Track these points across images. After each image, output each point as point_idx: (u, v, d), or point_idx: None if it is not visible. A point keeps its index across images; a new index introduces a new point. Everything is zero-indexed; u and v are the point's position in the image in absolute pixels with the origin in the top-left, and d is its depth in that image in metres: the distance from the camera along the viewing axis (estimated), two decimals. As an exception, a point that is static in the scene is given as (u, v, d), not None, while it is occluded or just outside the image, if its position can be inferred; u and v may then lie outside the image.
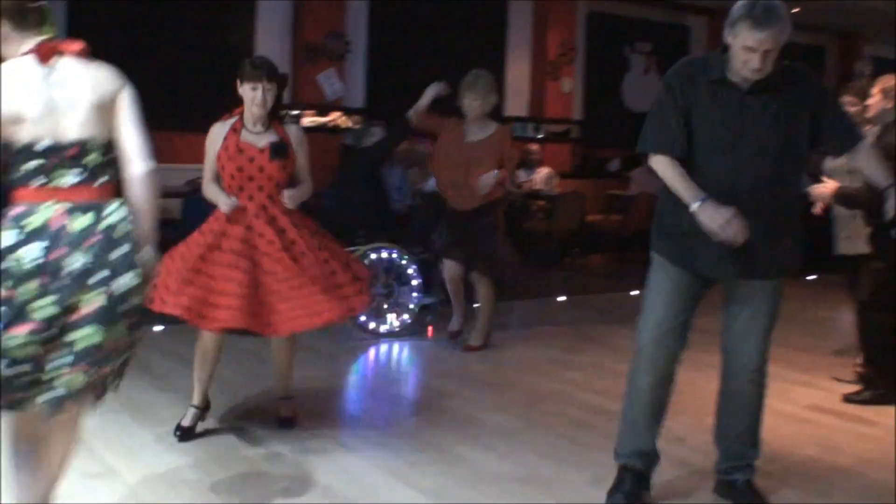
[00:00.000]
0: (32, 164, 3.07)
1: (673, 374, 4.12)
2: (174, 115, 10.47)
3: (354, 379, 6.32)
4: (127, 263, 3.10)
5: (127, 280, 3.09)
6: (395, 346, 7.17)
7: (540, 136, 13.31)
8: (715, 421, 4.31)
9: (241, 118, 4.92)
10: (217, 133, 4.93)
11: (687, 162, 3.88)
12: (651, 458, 4.21)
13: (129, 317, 3.11)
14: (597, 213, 12.30)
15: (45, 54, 3.13)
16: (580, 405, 5.68)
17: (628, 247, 11.64)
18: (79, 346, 3.00)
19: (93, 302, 3.02)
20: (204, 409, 4.94)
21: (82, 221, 3.08)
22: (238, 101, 4.96)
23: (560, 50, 13.47)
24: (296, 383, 5.32)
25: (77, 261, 3.02)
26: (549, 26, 13.40)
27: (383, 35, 12.15)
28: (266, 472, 4.42)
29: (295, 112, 11.41)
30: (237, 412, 5.29)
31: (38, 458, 3.29)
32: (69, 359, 3.00)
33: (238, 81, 4.89)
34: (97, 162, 3.18)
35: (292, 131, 4.95)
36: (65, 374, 3.01)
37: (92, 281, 3.03)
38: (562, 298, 9.36)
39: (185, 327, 6.07)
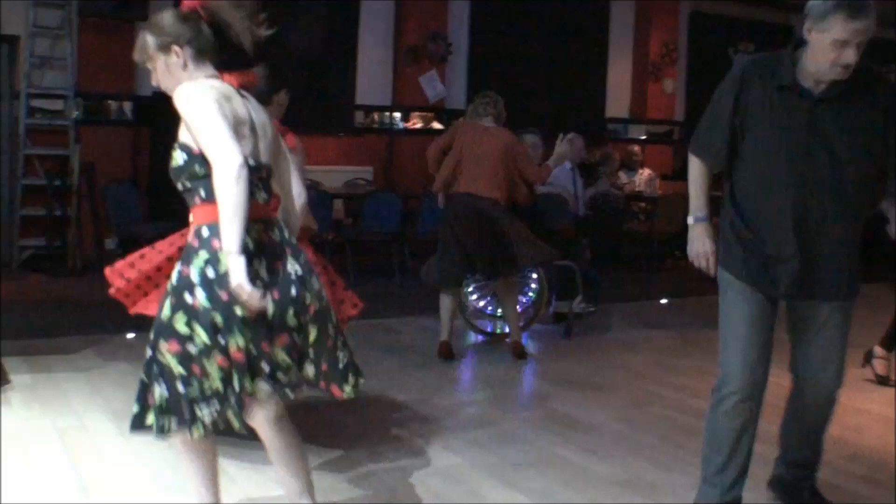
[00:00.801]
0: None
1: (759, 413, 3.83)
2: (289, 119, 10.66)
3: (456, 380, 6.33)
4: (309, 269, 3.26)
5: (316, 283, 3.27)
6: (497, 348, 7.17)
7: (642, 138, 13.21)
8: (781, 432, 4.10)
9: None
10: None
11: (746, 168, 3.69)
12: None
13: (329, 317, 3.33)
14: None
15: (230, 82, 3.23)
16: (684, 409, 5.61)
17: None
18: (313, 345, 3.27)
19: (312, 304, 3.23)
20: None
21: (276, 235, 3.22)
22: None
23: (662, 50, 13.34)
24: (399, 385, 5.35)
25: (292, 267, 3.19)
26: (651, 27, 13.29)
27: (485, 36, 12.17)
28: (371, 473, 4.46)
29: (397, 114, 11.53)
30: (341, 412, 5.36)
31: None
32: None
33: None
34: (270, 183, 3.32)
35: None
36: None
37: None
38: (663, 301, 9.26)
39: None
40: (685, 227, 3.86)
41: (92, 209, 9.85)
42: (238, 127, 3.09)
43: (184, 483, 4.12)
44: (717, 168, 3.81)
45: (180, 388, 3.10)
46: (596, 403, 5.70)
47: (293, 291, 3.15)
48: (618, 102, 13.38)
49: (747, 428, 3.80)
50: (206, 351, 3.06)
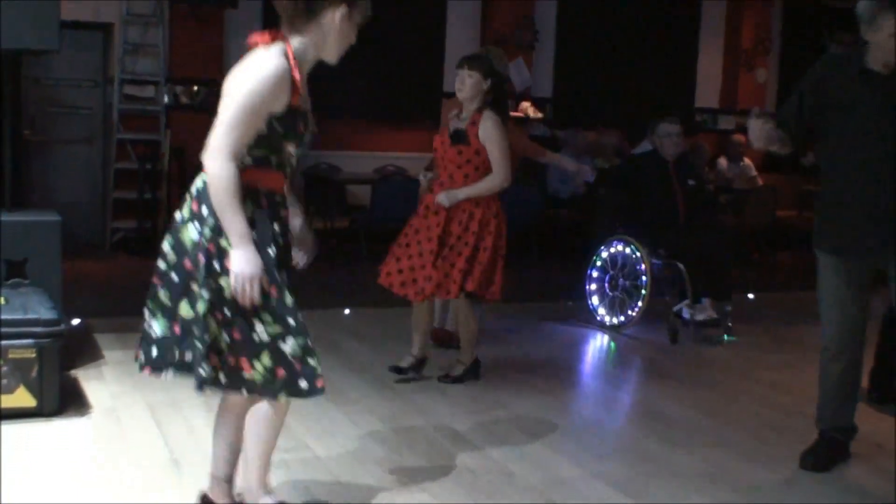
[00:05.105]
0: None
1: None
2: (364, 105, 10.71)
3: (545, 367, 6.27)
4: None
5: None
6: (595, 339, 7.13)
7: (730, 129, 13.00)
8: None
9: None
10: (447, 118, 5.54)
11: (837, 150, 4.29)
12: (847, 431, 4.49)
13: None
14: (790, 208, 11.91)
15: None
16: (774, 405, 5.51)
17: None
18: None
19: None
20: (420, 360, 5.56)
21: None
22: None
23: (755, 39, 13.08)
24: (487, 365, 5.39)
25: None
26: (743, 14, 13.03)
27: (572, 24, 12.07)
28: (452, 455, 4.46)
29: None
30: (428, 394, 5.38)
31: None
32: None
33: None
34: None
35: (484, 123, 5.26)
36: None
37: None
38: (751, 296, 9.10)
39: (369, 310, 6.20)
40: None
41: (181, 192, 10.00)
42: None
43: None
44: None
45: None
46: (682, 396, 5.63)
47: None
48: (708, 92, 13.16)
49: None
50: None
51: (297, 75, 3.12)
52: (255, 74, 3.06)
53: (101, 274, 8.55)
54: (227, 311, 3.08)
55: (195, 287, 3.13)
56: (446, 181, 5.34)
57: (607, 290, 7.43)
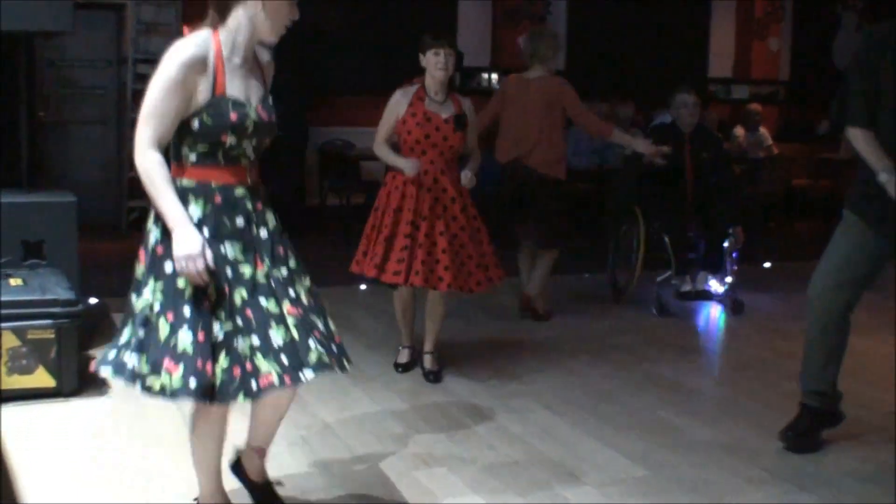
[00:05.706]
0: None
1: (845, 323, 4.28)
2: (377, 80, 10.67)
3: (549, 338, 6.29)
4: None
5: None
6: (612, 312, 7.13)
7: (744, 98, 12.93)
8: None
9: (423, 87, 5.23)
10: (399, 100, 5.27)
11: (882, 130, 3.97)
12: (829, 398, 4.35)
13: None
14: (804, 177, 11.86)
15: None
16: (790, 375, 5.47)
17: (837, 213, 11.08)
18: None
19: None
20: (414, 348, 5.47)
21: None
22: (415, 73, 5.32)
23: (768, 7, 13.00)
24: (490, 343, 5.37)
25: None
26: (756, -18, 12.95)
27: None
28: (471, 430, 4.49)
29: (494, 75, 11.47)
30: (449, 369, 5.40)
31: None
32: None
33: (420, 53, 5.15)
34: None
35: (466, 103, 5.29)
36: None
37: None
38: (767, 265, 9.09)
39: (386, 286, 6.23)
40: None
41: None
42: None
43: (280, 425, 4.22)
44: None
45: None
46: (698, 367, 5.65)
47: None
48: (721, 62, 13.09)
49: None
50: None
51: (220, 62, 3.04)
52: (164, 62, 3.00)
53: (118, 253, 8.56)
54: (186, 312, 3.00)
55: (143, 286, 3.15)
56: (444, 166, 5.21)
57: (621, 261, 7.46)
